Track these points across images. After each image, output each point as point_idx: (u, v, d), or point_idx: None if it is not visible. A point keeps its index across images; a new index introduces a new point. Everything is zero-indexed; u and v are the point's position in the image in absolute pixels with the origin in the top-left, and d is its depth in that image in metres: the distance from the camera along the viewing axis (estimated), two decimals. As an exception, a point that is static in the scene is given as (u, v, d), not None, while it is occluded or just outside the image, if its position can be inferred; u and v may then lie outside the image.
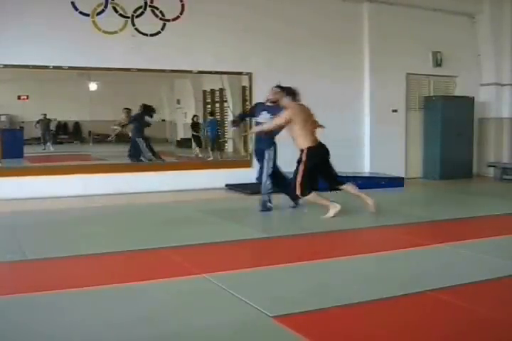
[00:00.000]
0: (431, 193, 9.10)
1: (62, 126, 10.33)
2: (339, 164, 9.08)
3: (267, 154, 6.41)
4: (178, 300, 3.33)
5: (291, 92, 6.16)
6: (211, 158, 10.25)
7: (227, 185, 8.67)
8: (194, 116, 10.57)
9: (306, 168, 5.78)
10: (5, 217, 6.15)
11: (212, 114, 10.75)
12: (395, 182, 8.92)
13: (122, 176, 8.00)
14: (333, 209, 5.96)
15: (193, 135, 10.66)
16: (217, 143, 10.68)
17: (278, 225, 5.85)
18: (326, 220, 5.89)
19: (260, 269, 3.97)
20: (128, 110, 9.60)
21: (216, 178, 8.55)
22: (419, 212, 6.53)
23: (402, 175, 9.49)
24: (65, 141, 10.09)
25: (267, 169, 6.40)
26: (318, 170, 5.95)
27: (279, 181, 6.54)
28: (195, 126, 10.55)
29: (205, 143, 10.78)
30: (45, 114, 9.60)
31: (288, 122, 5.86)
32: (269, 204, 6.50)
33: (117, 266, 4.14)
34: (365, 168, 9.76)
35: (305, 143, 5.87)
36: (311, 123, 6.03)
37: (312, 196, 5.90)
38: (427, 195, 9.02)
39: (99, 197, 7.52)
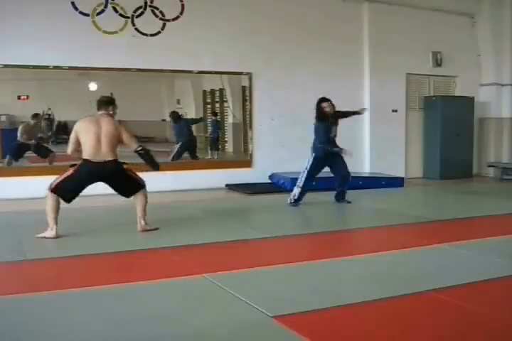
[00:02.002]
0: (431, 193, 9.10)
1: (62, 126, 10.31)
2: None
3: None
4: (178, 300, 3.33)
5: None
6: (209, 157, 10.28)
7: (227, 185, 8.68)
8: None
9: None
10: (5, 217, 6.15)
11: (214, 114, 10.77)
12: (395, 182, 8.92)
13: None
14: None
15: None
16: (216, 143, 10.70)
17: (278, 225, 5.84)
18: (325, 220, 5.89)
19: (260, 269, 3.96)
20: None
21: (216, 178, 8.55)
22: (419, 212, 6.53)
23: (402, 175, 9.50)
24: (65, 141, 10.05)
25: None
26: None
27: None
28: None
29: (205, 143, 10.81)
30: (48, 114, 9.58)
31: None
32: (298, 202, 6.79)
33: (117, 266, 4.13)
34: (365, 168, 9.76)
35: None
36: None
37: None
38: (427, 195, 9.02)
39: (99, 197, 7.50)
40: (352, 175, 9.15)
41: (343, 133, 9.47)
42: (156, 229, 5.28)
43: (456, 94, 10.66)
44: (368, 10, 9.63)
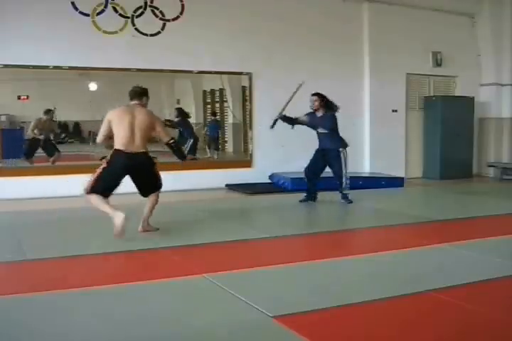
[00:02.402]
0: (431, 193, 9.10)
1: (62, 126, 10.31)
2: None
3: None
4: (178, 300, 3.33)
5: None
6: (208, 156, 10.29)
7: (227, 185, 8.68)
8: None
9: None
10: (5, 217, 6.15)
11: (213, 114, 10.77)
12: (395, 182, 8.92)
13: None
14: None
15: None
16: (216, 142, 10.70)
17: (278, 225, 5.84)
18: (325, 220, 5.89)
19: (260, 269, 3.96)
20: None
21: (216, 178, 8.55)
22: (419, 212, 6.53)
23: (402, 175, 9.50)
24: (65, 141, 10.07)
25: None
26: None
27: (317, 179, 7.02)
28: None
29: (205, 142, 10.81)
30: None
31: None
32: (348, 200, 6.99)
33: (117, 266, 4.14)
34: (365, 168, 9.77)
35: None
36: None
37: None
38: (427, 195, 9.02)
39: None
40: (352, 175, 9.17)
41: (343, 133, 9.49)
42: (157, 229, 5.27)
43: (456, 94, 10.66)
44: (368, 10, 9.63)
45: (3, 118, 9.13)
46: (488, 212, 6.36)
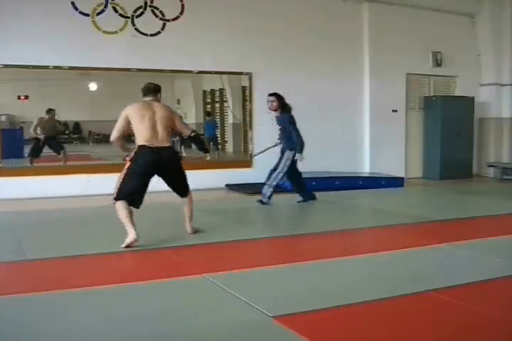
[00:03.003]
0: (431, 193, 9.10)
1: (62, 126, 10.32)
2: (339, 164, 9.17)
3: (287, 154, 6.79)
4: (178, 300, 3.33)
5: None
6: (208, 158, 10.26)
7: (227, 185, 8.68)
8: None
9: None
10: (5, 217, 6.15)
11: (209, 114, 10.76)
12: (395, 182, 8.93)
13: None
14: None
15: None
16: (215, 142, 10.70)
17: (278, 225, 5.85)
18: (324, 220, 5.88)
19: (260, 269, 3.96)
20: None
21: (216, 178, 8.55)
22: (419, 212, 6.53)
23: (402, 175, 9.50)
24: (65, 141, 10.08)
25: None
26: None
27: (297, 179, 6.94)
28: None
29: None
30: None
31: None
32: (267, 199, 6.71)
33: (117, 266, 4.14)
34: (365, 168, 9.77)
35: None
36: None
37: None
38: (427, 195, 9.02)
39: (99, 197, 7.51)
40: (352, 175, 9.20)
41: (343, 133, 9.52)
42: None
43: (456, 94, 10.66)
44: (368, 10, 9.64)
45: (3, 118, 9.14)
46: (488, 212, 6.36)
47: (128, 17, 8.04)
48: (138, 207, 4.73)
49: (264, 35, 8.76)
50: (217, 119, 10.99)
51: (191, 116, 10.82)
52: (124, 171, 4.71)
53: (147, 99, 4.90)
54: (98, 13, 7.85)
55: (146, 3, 8.14)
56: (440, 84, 10.67)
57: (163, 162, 4.73)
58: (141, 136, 4.71)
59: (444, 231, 5.49)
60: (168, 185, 5.00)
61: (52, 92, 9.40)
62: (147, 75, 8.63)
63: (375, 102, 9.70)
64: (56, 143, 9.22)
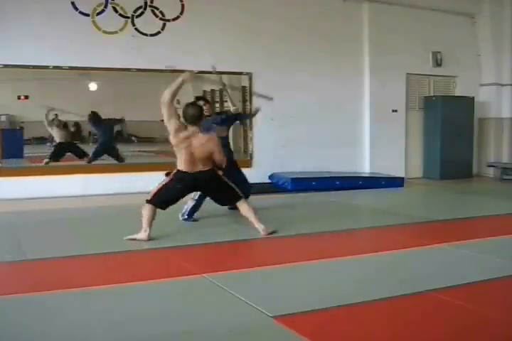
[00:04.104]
0: (431, 193, 9.10)
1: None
2: (339, 164, 9.17)
3: None
4: (177, 300, 3.33)
5: None
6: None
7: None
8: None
9: None
10: (5, 217, 6.15)
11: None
12: (395, 182, 8.93)
13: (122, 176, 8.00)
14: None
15: None
16: None
17: (278, 225, 5.83)
18: (324, 220, 5.88)
19: (260, 269, 3.96)
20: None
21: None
22: (419, 212, 6.53)
23: (402, 175, 9.50)
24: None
25: None
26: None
27: None
28: None
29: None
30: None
31: None
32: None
33: (117, 266, 4.13)
34: (365, 168, 9.76)
35: None
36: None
37: None
38: (427, 195, 9.02)
39: (99, 197, 7.52)
40: (352, 175, 9.18)
41: (343, 133, 9.52)
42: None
43: (456, 94, 10.66)
44: (368, 10, 9.63)
45: (3, 118, 9.13)
46: (488, 212, 6.36)
47: (128, 17, 8.04)
48: (164, 209, 4.99)
49: (264, 35, 8.76)
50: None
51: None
52: (163, 183, 4.99)
53: (192, 128, 4.95)
54: (98, 13, 7.84)
55: (146, 3, 8.14)
56: (440, 84, 10.66)
57: (200, 184, 5.01)
58: (181, 163, 4.94)
59: (444, 231, 5.49)
60: (214, 198, 5.27)
61: (52, 92, 9.39)
62: (147, 75, 8.65)
63: (375, 102, 9.69)
64: (76, 148, 9.21)
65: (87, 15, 7.78)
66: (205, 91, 10.90)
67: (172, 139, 4.93)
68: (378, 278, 3.75)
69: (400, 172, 9.54)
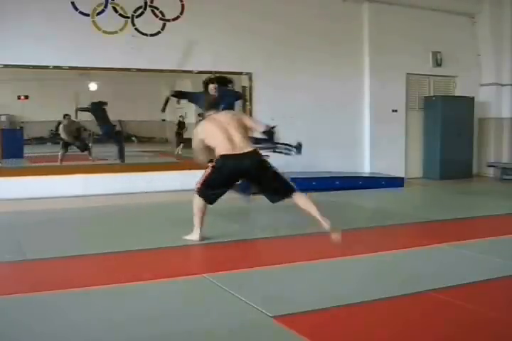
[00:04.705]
0: (431, 193, 9.10)
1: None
2: (339, 164, 9.17)
3: None
4: (178, 300, 3.33)
5: None
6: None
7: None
8: (180, 116, 10.72)
9: None
10: (5, 217, 6.15)
11: (199, 114, 10.78)
12: (395, 182, 8.92)
13: (122, 176, 8.00)
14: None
15: (176, 133, 10.78)
16: None
17: (278, 225, 5.84)
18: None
19: (260, 269, 3.96)
20: None
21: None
22: (419, 212, 6.53)
23: (402, 175, 9.50)
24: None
25: None
26: None
27: None
28: (180, 125, 10.75)
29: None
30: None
31: None
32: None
33: (117, 266, 4.13)
34: (365, 168, 9.76)
35: None
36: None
37: None
38: (427, 195, 9.02)
39: (99, 197, 7.52)
40: (352, 175, 9.17)
41: (343, 133, 9.52)
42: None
43: (456, 94, 10.65)
44: (368, 10, 9.62)
45: (3, 118, 9.15)
46: (488, 212, 6.36)
47: (128, 17, 8.04)
48: (211, 204, 4.86)
49: (264, 36, 8.76)
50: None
51: (191, 116, 10.82)
52: (210, 170, 4.77)
53: (209, 113, 4.88)
54: (98, 13, 7.84)
55: (146, 3, 8.14)
56: (440, 84, 10.66)
57: (245, 166, 4.66)
58: (219, 146, 4.68)
59: (444, 231, 5.49)
60: (258, 187, 4.94)
61: (52, 92, 9.40)
62: (147, 75, 8.66)
63: (375, 102, 9.69)
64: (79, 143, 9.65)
65: (87, 15, 7.78)
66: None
67: (201, 133, 4.78)
68: (378, 278, 3.75)
69: (399, 172, 9.54)
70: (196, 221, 4.83)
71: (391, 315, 3.03)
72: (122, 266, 4.16)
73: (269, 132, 4.90)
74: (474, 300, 3.25)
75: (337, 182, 8.30)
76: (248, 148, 4.68)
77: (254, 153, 4.73)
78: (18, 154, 8.96)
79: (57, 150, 9.47)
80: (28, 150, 9.25)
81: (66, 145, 9.56)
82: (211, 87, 6.18)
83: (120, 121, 10.74)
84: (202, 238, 4.80)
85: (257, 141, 5.17)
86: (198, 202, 4.82)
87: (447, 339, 2.73)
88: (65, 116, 9.40)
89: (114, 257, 4.34)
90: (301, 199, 4.75)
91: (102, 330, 2.83)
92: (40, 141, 10.26)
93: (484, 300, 3.28)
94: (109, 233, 5.27)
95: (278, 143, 5.16)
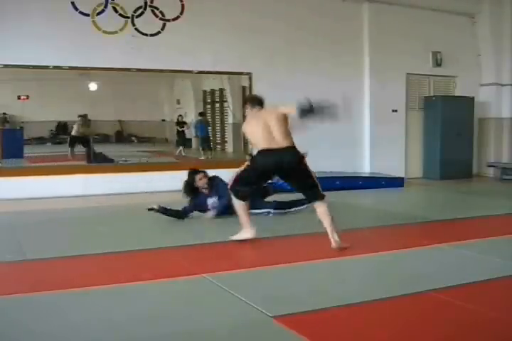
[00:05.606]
0: (431, 193, 9.10)
1: (62, 126, 10.33)
2: (339, 164, 9.17)
3: None
4: (178, 300, 3.33)
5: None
6: (202, 158, 10.25)
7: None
8: (179, 115, 10.74)
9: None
10: (5, 217, 6.15)
11: (201, 114, 10.77)
12: (395, 182, 8.92)
13: (122, 176, 8.00)
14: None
15: (177, 133, 10.80)
16: (208, 143, 10.72)
17: (278, 225, 5.84)
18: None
19: (260, 269, 3.96)
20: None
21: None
22: (419, 212, 6.53)
23: (402, 175, 9.50)
24: (65, 141, 10.09)
25: None
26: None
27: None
28: (179, 124, 10.74)
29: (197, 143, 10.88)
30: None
31: None
32: None
33: (117, 266, 4.13)
34: (365, 168, 9.76)
35: None
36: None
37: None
38: (427, 195, 9.02)
39: (99, 197, 7.52)
40: (352, 175, 9.16)
41: (343, 133, 9.50)
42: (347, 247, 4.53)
43: (456, 94, 10.66)
44: (368, 10, 9.63)
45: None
46: (488, 212, 6.36)
47: (128, 17, 8.04)
48: (244, 201, 4.79)
49: (264, 35, 8.76)
50: (217, 119, 10.99)
51: (191, 116, 10.83)
52: (244, 166, 4.80)
53: (254, 110, 4.85)
54: (98, 13, 7.85)
55: (146, 3, 8.14)
56: (440, 84, 10.66)
57: (283, 163, 4.57)
58: (259, 145, 4.68)
59: (444, 231, 5.49)
60: (292, 184, 4.85)
61: (52, 92, 9.40)
62: (147, 75, 8.67)
63: (375, 102, 9.69)
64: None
65: (87, 15, 7.78)
66: (205, 91, 10.92)
67: (245, 127, 4.84)
68: (378, 278, 3.75)
69: (399, 172, 9.54)
70: (243, 222, 4.80)
71: (391, 315, 3.03)
72: (122, 266, 4.16)
73: (307, 109, 4.44)
74: (474, 300, 3.25)
75: (337, 182, 8.29)
76: (287, 143, 4.60)
77: (293, 149, 4.66)
78: (18, 154, 8.96)
79: (57, 151, 9.49)
80: (28, 150, 9.24)
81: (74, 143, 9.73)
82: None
83: (120, 121, 10.76)
84: (254, 236, 4.73)
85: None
86: (236, 201, 4.82)
87: (447, 339, 2.73)
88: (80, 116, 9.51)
89: (114, 257, 4.34)
90: (322, 209, 4.64)
91: (102, 330, 2.83)
92: (40, 141, 10.26)
93: (484, 300, 3.28)
94: (109, 233, 5.27)
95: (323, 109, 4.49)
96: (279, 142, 4.58)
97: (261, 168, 4.68)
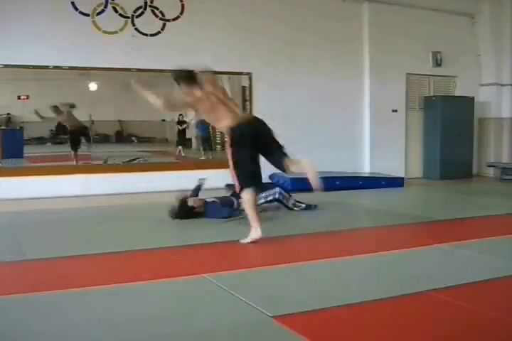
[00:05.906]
0: (431, 193, 9.10)
1: (62, 126, 10.31)
2: (339, 164, 9.17)
3: None
4: (178, 300, 3.33)
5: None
6: (203, 158, 10.25)
7: (227, 185, 8.66)
8: (180, 114, 10.73)
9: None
10: (5, 217, 6.15)
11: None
12: (395, 182, 8.92)
13: (122, 176, 8.01)
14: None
15: (177, 132, 10.80)
16: (208, 142, 10.71)
17: (277, 225, 5.84)
18: (324, 220, 5.88)
19: (260, 269, 3.96)
20: None
21: (216, 178, 8.53)
22: (419, 212, 6.53)
23: (402, 175, 9.50)
24: (65, 140, 10.07)
25: None
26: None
27: None
28: (180, 123, 10.78)
29: (197, 143, 10.86)
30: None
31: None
32: None
33: (117, 266, 4.13)
34: (365, 168, 9.77)
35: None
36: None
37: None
38: (427, 195, 9.02)
39: (99, 197, 7.52)
40: (352, 175, 9.17)
41: (343, 133, 9.52)
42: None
43: (456, 94, 10.66)
44: (368, 10, 9.64)
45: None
46: (488, 212, 6.35)
47: (128, 17, 8.05)
48: (258, 188, 4.90)
49: (264, 35, 8.77)
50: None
51: (192, 115, 10.80)
52: (230, 157, 4.82)
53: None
54: (98, 13, 7.85)
55: (146, 3, 8.15)
56: (440, 84, 10.67)
57: (256, 125, 4.78)
58: (222, 119, 4.84)
59: (444, 231, 5.49)
60: (269, 152, 4.88)
61: (52, 92, 9.39)
62: (147, 75, 8.65)
63: (375, 102, 9.70)
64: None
65: (87, 15, 7.79)
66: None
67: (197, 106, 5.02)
68: (378, 278, 3.75)
69: (399, 172, 9.54)
70: (252, 219, 4.77)
71: (391, 315, 3.03)
72: (122, 266, 4.15)
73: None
74: (474, 300, 3.24)
75: (337, 182, 8.30)
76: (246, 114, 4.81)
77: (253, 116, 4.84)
78: (18, 154, 8.95)
79: (57, 151, 9.47)
80: (28, 150, 9.23)
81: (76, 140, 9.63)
82: None
83: (120, 121, 10.75)
84: (260, 235, 4.72)
85: None
86: (246, 199, 4.78)
87: (447, 339, 2.72)
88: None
89: (114, 257, 4.34)
90: (295, 160, 4.88)
91: (102, 330, 2.83)
92: (40, 141, 10.25)
93: (484, 300, 3.28)
94: (109, 233, 5.27)
95: None
96: (238, 114, 4.82)
97: (244, 136, 4.72)
